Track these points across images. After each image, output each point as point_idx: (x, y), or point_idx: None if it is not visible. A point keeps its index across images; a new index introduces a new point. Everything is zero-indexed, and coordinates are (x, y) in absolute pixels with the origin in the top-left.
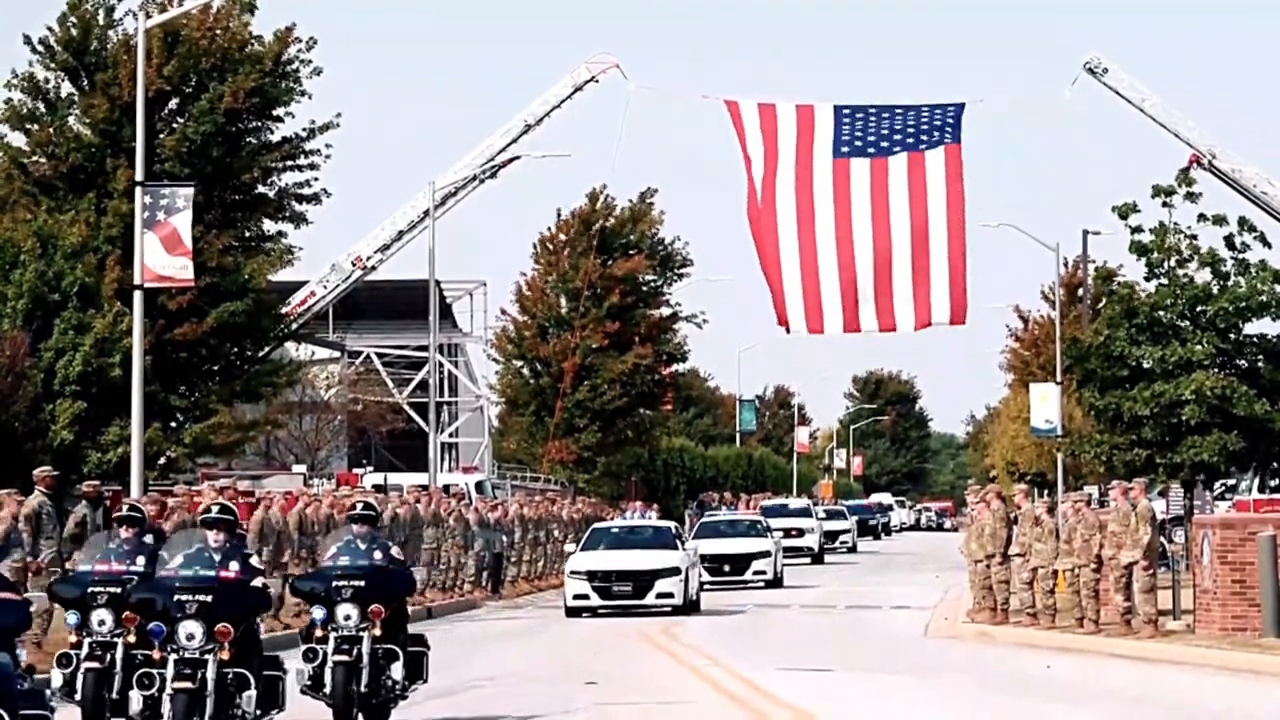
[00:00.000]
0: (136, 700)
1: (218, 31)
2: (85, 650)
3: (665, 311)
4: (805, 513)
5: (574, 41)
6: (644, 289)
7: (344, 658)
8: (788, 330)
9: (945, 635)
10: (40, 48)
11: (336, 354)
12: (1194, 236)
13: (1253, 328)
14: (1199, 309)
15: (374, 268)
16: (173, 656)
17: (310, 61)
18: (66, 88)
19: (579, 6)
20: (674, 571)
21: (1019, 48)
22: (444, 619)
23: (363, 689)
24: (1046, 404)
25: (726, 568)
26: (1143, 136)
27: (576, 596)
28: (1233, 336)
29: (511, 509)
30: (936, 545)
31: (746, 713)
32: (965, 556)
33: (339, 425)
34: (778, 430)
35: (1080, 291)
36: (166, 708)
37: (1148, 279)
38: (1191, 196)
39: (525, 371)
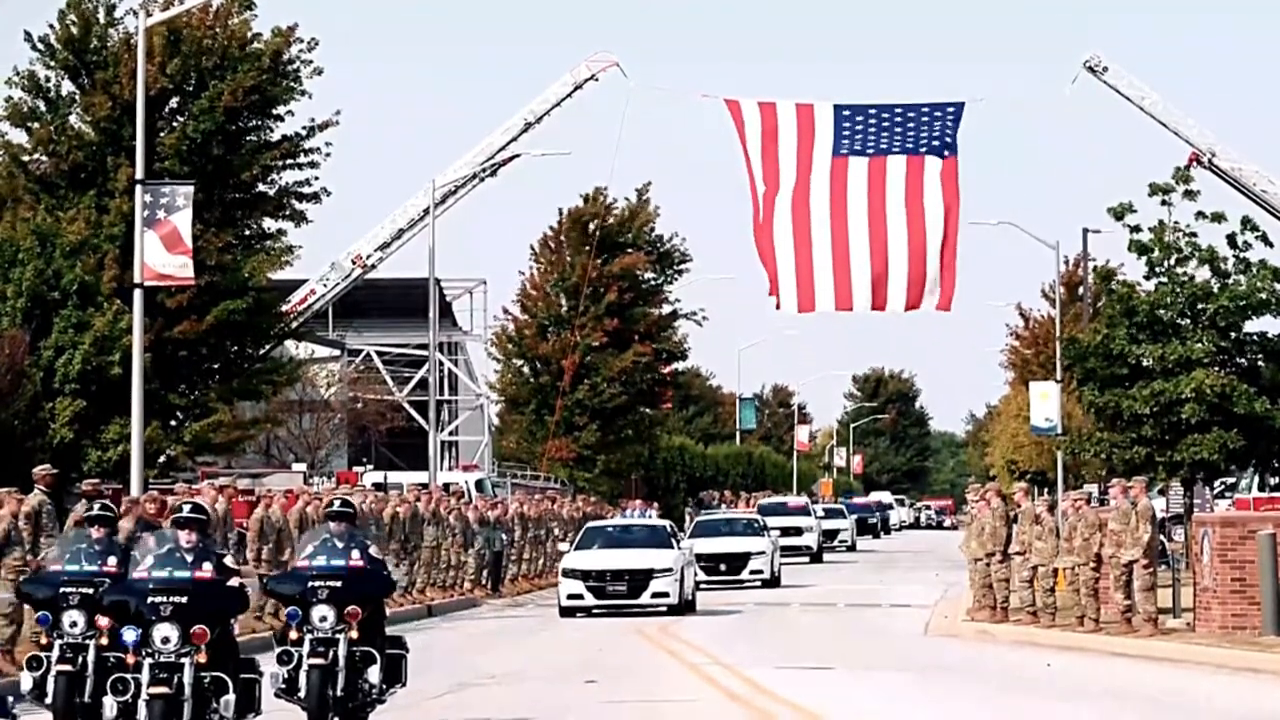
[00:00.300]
0: (110, 706)
1: (218, 29)
2: (56, 652)
3: (665, 309)
4: (804, 511)
5: (574, 40)
6: (643, 286)
7: (319, 660)
8: (778, 307)
9: (945, 633)
10: (41, 45)
11: (336, 352)
12: (1193, 234)
13: (1253, 326)
14: (1199, 307)
15: (374, 266)
16: (148, 660)
17: (311, 62)
18: (67, 86)
19: (579, 6)
20: (669, 571)
21: (1019, 48)
22: (444, 617)
23: (339, 693)
24: (1046, 402)
25: (722, 567)
26: (1143, 135)
27: (570, 596)
28: (1233, 335)
29: (511, 507)
30: (936, 543)
31: (749, 711)
32: (965, 555)
33: (339, 424)
34: (778, 429)
35: (1080, 290)
36: (142, 714)
37: (1147, 277)
38: (1190, 194)
39: (525, 370)
